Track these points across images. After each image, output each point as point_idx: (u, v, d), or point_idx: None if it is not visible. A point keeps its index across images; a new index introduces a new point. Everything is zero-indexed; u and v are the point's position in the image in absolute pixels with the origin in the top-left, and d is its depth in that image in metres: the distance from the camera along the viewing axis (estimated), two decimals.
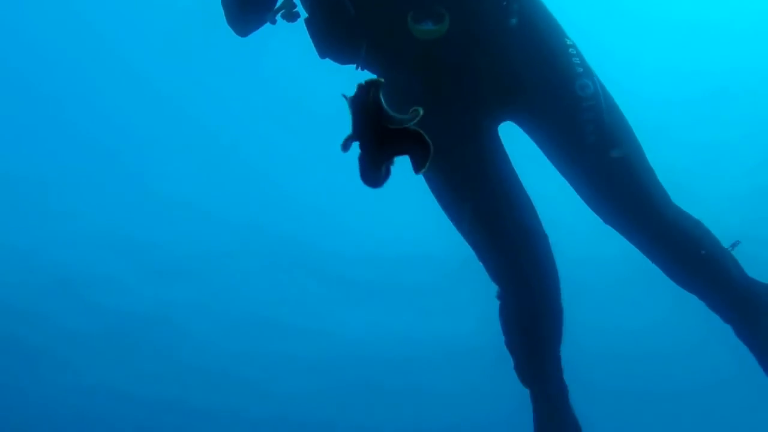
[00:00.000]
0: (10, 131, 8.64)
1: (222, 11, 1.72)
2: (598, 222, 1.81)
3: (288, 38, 1.98)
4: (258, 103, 8.82)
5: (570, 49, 1.72)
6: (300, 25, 1.70)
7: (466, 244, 1.82)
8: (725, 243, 1.80)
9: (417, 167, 1.02)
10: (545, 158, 1.80)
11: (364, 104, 1.00)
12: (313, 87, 7.12)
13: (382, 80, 0.98)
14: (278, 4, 1.72)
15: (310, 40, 1.67)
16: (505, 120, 1.79)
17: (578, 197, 1.79)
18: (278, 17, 1.72)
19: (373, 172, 1.02)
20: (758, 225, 7.28)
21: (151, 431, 9.82)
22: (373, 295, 8.81)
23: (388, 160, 1.02)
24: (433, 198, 1.81)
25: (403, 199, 4.80)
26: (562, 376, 1.89)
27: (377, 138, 1.00)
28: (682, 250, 1.72)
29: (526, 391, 1.90)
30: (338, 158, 1.19)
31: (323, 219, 8.71)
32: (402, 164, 1.00)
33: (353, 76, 1.59)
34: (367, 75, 1.69)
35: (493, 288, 1.86)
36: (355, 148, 1.03)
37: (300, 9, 1.71)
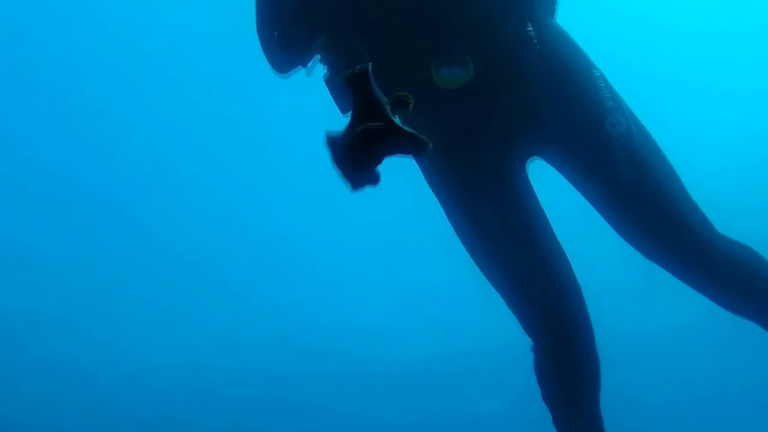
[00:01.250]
0: None
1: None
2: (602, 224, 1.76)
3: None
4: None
5: (598, 81, 1.67)
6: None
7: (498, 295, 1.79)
8: None
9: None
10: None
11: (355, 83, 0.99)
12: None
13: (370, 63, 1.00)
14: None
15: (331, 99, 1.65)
16: (533, 158, 1.75)
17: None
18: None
19: (361, 170, 0.99)
20: None
21: None
22: None
23: (378, 160, 1.00)
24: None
25: None
26: (602, 426, 1.84)
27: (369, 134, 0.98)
28: (734, 280, 1.66)
29: None
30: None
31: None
32: None
33: None
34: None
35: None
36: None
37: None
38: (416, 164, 1.75)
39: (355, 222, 8.34)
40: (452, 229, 1.76)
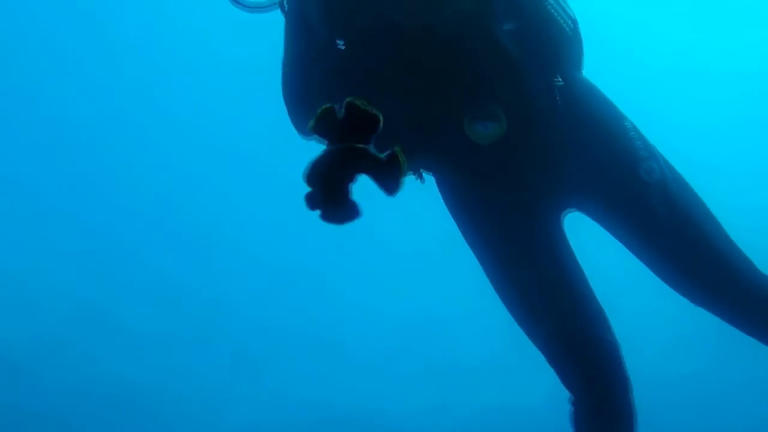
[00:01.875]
0: None
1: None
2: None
3: None
4: None
5: (630, 132, 1.67)
6: None
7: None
8: None
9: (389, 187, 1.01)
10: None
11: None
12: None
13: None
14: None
15: None
16: (569, 210, 1.74)
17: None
18: None
19: (338, 201, 0.99)
20: None
21: None
22: None
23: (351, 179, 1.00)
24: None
25: None
26: None
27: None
28: None
29: None
30: None
31: None
32: None
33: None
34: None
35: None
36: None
37: None
38: (456, 222, 1.76)
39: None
40: (492, 286, 1.75)
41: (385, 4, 1.52)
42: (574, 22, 1.65)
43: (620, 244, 1.73)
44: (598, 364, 1.69)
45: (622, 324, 1.82)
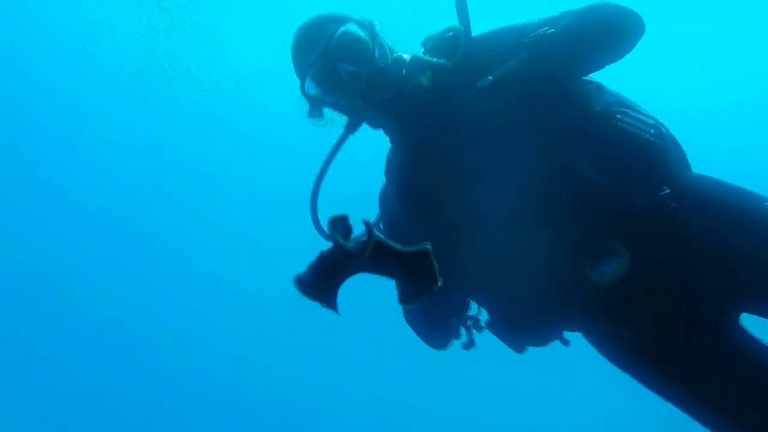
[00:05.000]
0: None
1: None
2: None
3: None
4: None
5: None
6: None
7: None
8: None
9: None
10: None
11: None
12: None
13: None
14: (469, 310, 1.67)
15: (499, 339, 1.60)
16: (738, 315, 1.53)
17: None
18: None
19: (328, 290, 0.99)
20: None
21: None
22: None
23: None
24: None
25: None
26: None
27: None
28: None
29: None
30: None
31: None
32: None
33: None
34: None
35: None
36: None
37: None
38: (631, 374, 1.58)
39: None
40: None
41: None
42: (656, 127, 1.52)
43: None
44: None
45: None
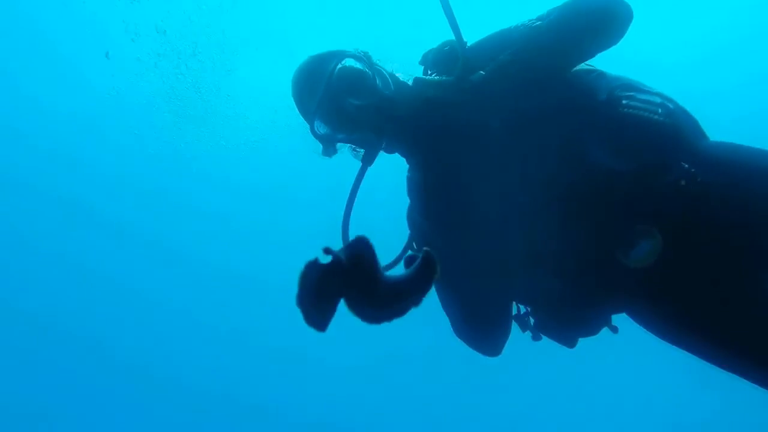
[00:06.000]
0: None
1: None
2: None
3: None
4: None
5: None
6: None
7: None
8: None
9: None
10: None
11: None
12: None
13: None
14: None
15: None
16: None
17: None
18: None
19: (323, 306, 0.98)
20: None
21: None
22: None
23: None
24: None
25: None
26: None
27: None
28: None
29: None
30: None
31: None
32: None
33: None
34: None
35: None
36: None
37: None
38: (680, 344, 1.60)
39: None
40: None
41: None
42: (663, 105, 1.52)
43: None
44: None
45: None
